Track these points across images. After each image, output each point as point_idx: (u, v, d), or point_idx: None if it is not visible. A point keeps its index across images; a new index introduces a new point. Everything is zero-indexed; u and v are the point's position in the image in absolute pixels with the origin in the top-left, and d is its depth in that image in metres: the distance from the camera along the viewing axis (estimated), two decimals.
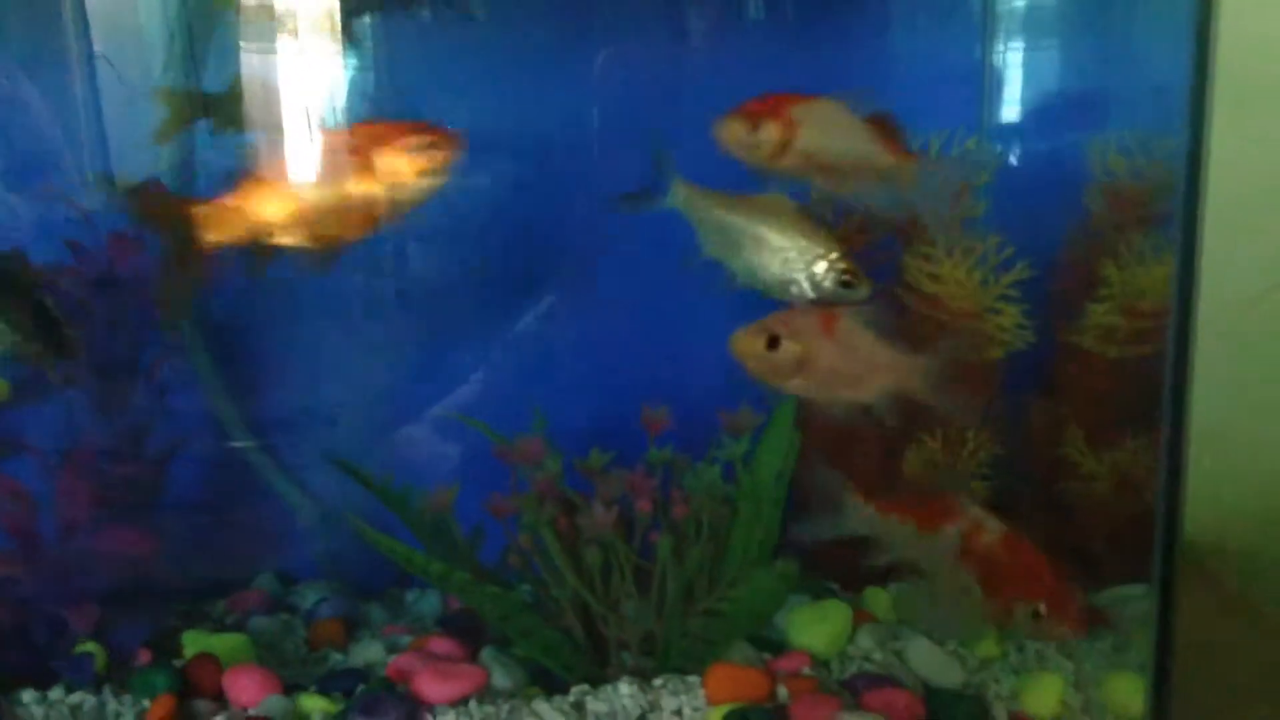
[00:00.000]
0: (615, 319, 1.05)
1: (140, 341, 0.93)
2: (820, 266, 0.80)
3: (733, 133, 0.77)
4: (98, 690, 0.88)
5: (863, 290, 0.79)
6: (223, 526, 1.08)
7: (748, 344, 0.77)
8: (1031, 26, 1.05)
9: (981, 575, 0.77)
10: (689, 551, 0.86)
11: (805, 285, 0.80)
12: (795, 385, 0.77)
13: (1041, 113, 1.02)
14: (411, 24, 1.02)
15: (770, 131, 0.76)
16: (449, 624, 1.01)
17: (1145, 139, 0.90)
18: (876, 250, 0.97)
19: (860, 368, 0.77)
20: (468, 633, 0.96)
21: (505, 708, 0.84)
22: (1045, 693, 0.85)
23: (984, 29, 1.05)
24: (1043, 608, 0.74)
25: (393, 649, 0.96)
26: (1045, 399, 1.00)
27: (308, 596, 1.07)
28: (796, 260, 0.80)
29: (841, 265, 0.79)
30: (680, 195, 0.83)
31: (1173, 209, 0.72)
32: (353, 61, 0.94)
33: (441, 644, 0.92)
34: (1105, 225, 0.90)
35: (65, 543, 0.89)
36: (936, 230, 0.86)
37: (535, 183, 1.04)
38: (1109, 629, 0.90)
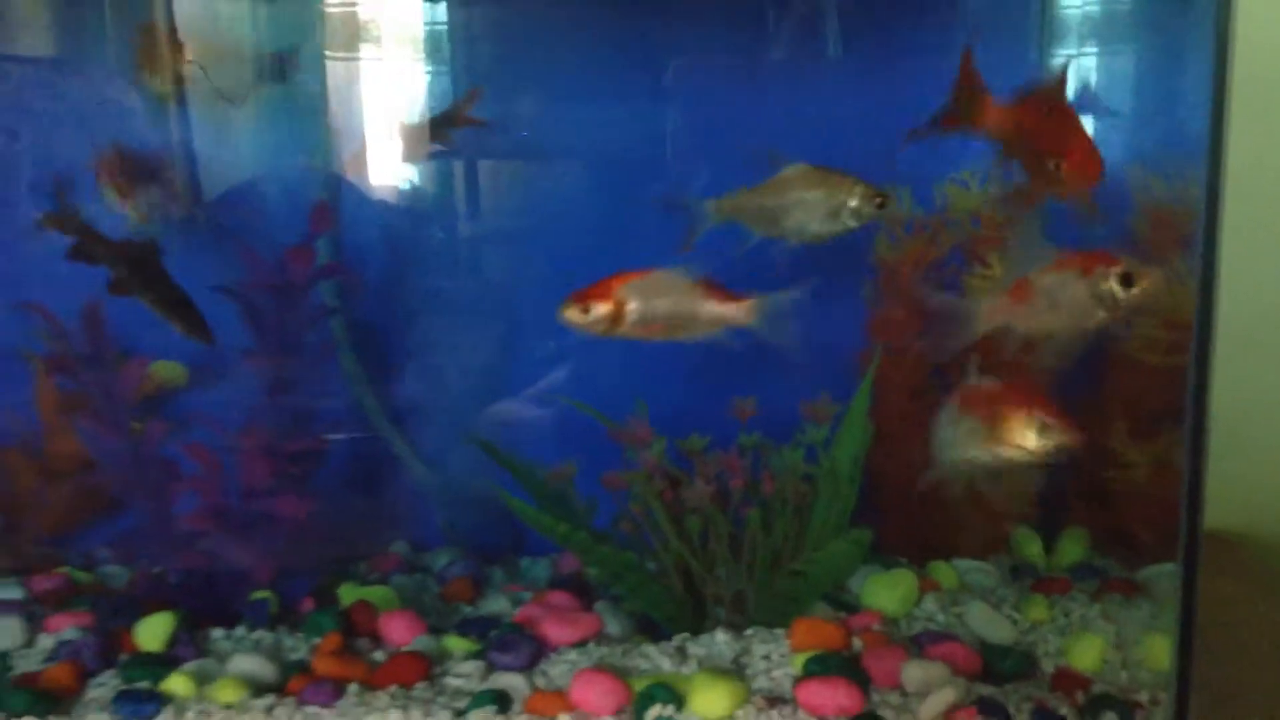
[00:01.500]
0: None
1: (305, 338, 1.09)
2: (855, 200, 0.95)
3: (571, 315, 0.93)
4: (273, 629, 1.04)
5: (893, 205, 0.96)
6: (363, 499, 1.24)
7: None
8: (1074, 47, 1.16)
9: None
10: (776, 522, 1.00)
11: (850, 218, 0.96)
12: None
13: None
14: None
15: (599, 310, 0.93)
16: (558, 585, 1.16)
17: (1182, 162, 1.01)
18: (944, 264, 1.10)
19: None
20: (576, 592, 1.11)
21: (619, 650, 0.98)
22: (1088, 651, 0.97)
23: (1040, 44, 1.16)
24: None
25: (515, 603, 1.11)
26: (1096, 397, 1.13)
27: (438, 560, 1.23)
28: (835, 203, 0.96)
29: (870, 192, 0.95)
30: (716, 210, 0.98)
31: None
32: None
33: (559, 597, 1.07)
34: (1149, 246, 1.02)
35: (245, 505, 1.05)
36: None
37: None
38: (1147, 598, 1.02)
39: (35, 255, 1.05)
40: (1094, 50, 1.16)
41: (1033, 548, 1.17)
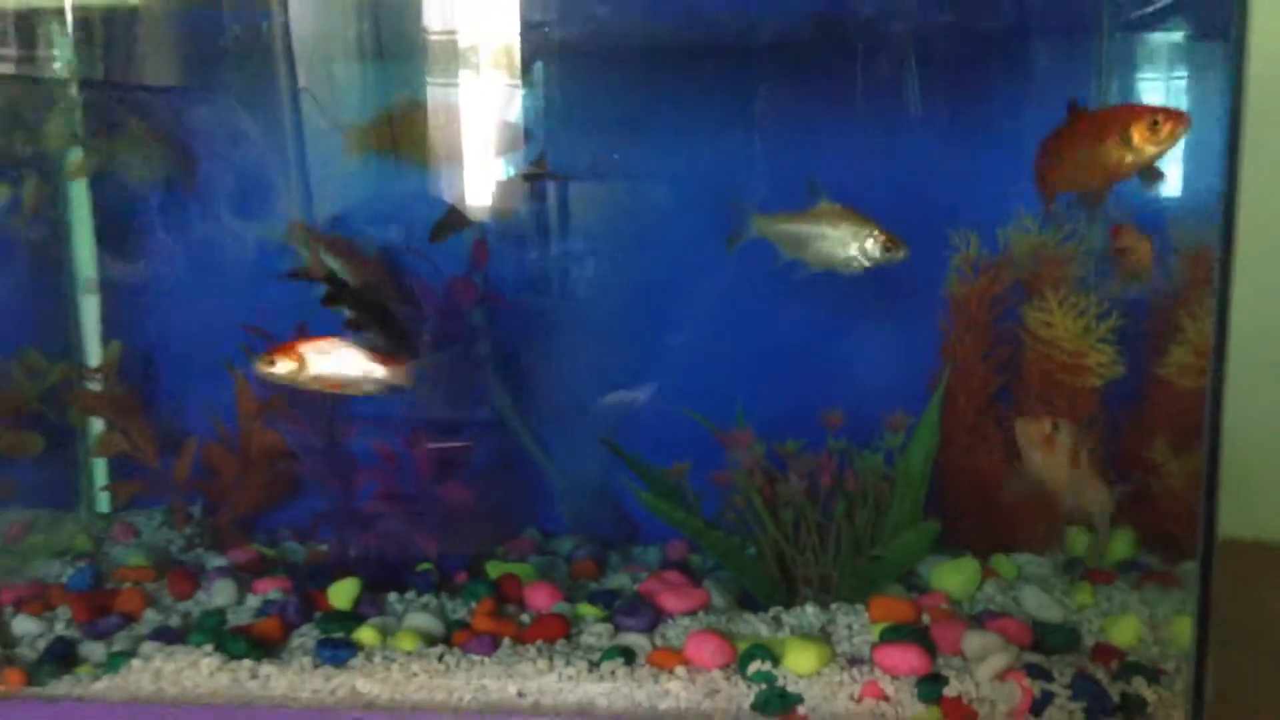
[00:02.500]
0: (791, 333, 1.38)
1: (465, 355, 1.30)
2: (869, 242, 1.12)
3: (262, 367, 1.13)
4: (435, 595, 1.25)
5: (900, 253, 1.11)
6: (503, 491, 1.45)
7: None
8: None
9: None
10: (858, 514, 1.18)
11: (861, 256, 1.13)
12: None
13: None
14: None
15: (285, 366, 1.12)
16: (666, 568, 1.35)
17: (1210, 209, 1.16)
18: (1006, 297, 1.28)
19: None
20: (683, 572, 1.30)
21: (724, 618, 1.18)
22: (1125, 629, 1.12)
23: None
24: None
25: (634, 580, 1.30)
26: (1140, 415, 1.29)
27: (564, 545, 1.43)
28: (851, 241, 1.13)
29: (882, 237, 1.11)
30: (759, 225, 1.16)
31: None
32: None
33: (673, 576, 1.26)
34: (1182, 285, 1.18)
35: (416, 491, 1.27)
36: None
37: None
38: (1181, 589, 1.18)
39: (252, 285, 1.29)
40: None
41: (1084, 545, 1.33)
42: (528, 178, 1.33)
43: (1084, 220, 1.23)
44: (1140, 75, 1.31)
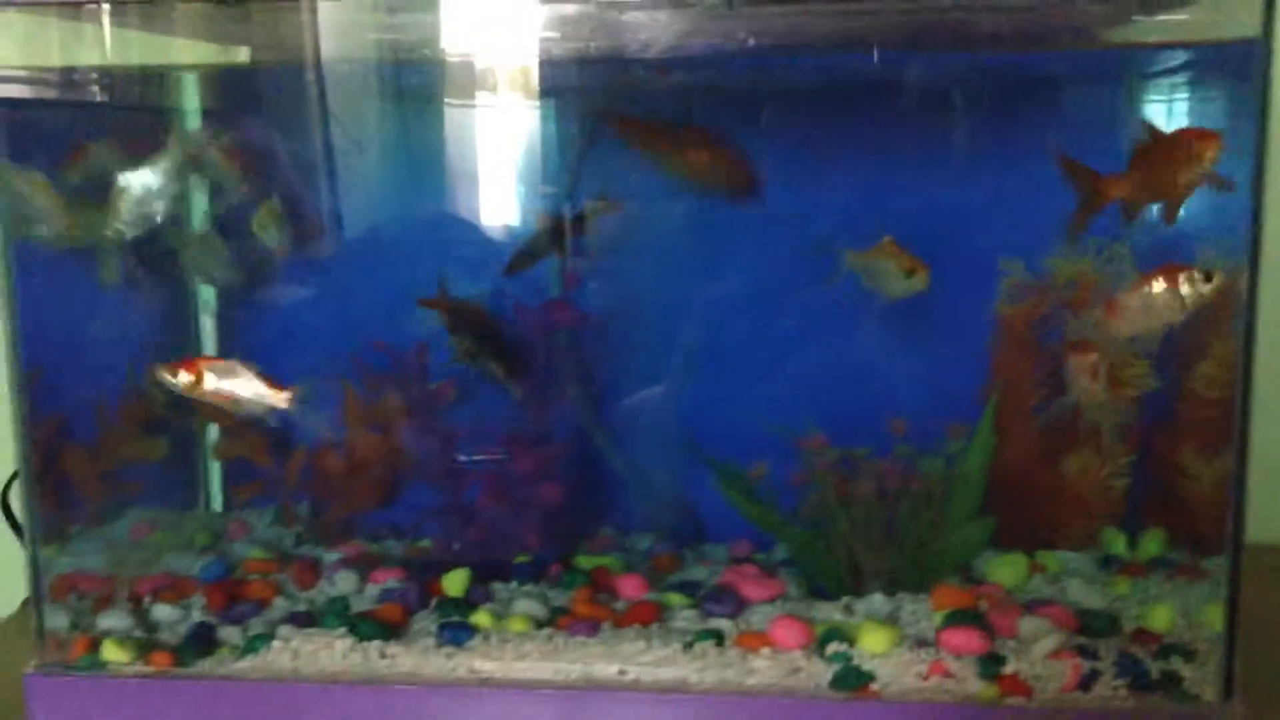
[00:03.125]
0: (858, 351, 1.51)
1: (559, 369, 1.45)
2: (897, 271, 1.29)
3: (163, 374, 1.25)
4: (535, 584, 1.39)
5: (917, 279, 1.28)
6: (587, 492, 1.59)
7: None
8: None
9: None
10: (921, 513, 1.32)
11: (897, 287, 1.30)
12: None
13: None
14: None
15: (184, 376, 1.25)
16: (735, 563, 1.48)
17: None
18: (1051, 315, 1.41)
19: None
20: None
21: (800, 606, 1.31)
22: (1161, 616, 1.25)
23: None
24: None
25: (712, 573, 1.43)
26: (1171, 423, 1.43)
27: (642, 541, 1.56)
28: (890, 271, 1.30)
29: (908, 265, 1.28)
30: (849, 261, 1.32)
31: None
32: None
33: (750, 568, 1.40)
34: (1210, 305, 1.31)
35: (517, 492, 1.40)
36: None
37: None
38: (1205, 581, 1.31)
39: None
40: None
41: (1119, 544, 1.46)
42: (594, 212, 1.46)
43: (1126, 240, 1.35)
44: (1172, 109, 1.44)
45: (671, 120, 1.43)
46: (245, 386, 1.26)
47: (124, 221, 1.32)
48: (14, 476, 1.53)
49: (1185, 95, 1.42)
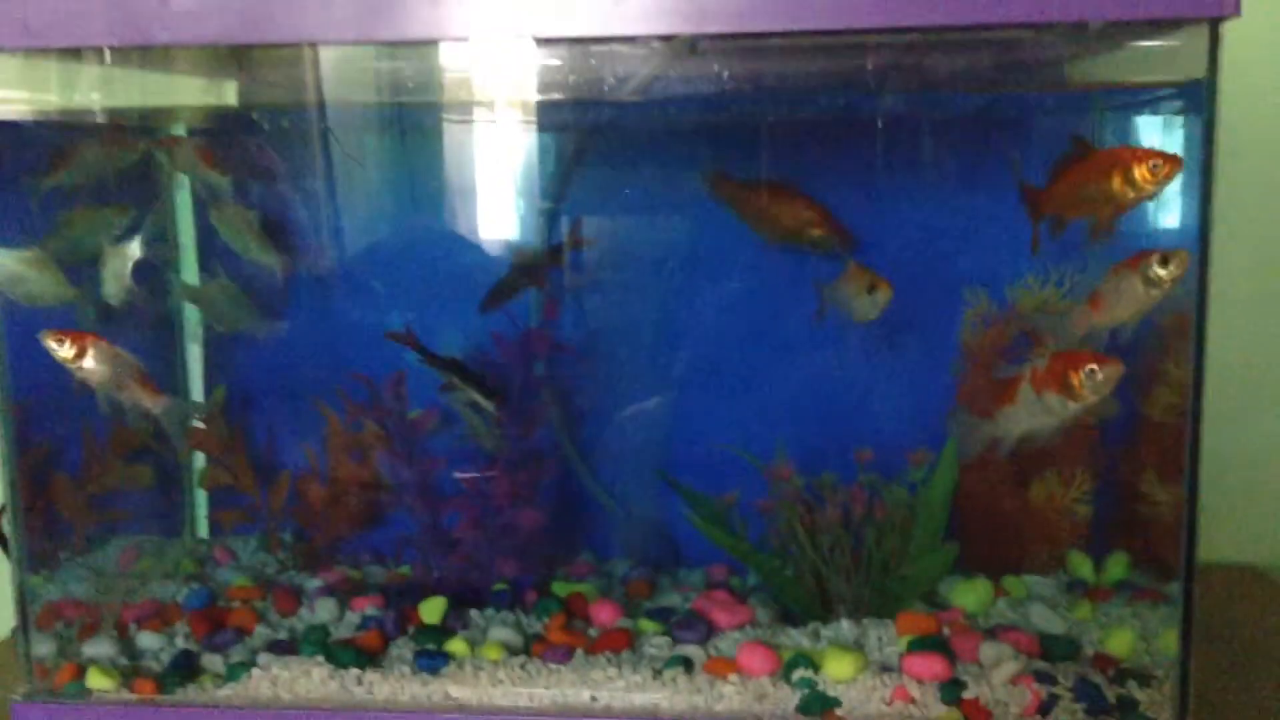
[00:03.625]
0: (823, 380, 1.55)
1: (538, 397, 1.48)
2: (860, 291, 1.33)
3: (48, 340, 1.27)
4: (512, 610, 1.42)
5: (880, 294, 1.31)
6: (563, 519, 1.62)
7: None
8: None
9: None
10: (885, 540, 1.35)
11: (863, 305, 1.33)
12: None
13: None
14: None
15: (66, 349, 1.27)
16: (710, 589, 1.52)
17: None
18: (1012, 348, 1.44)
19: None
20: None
21: (768, 632, 1.34)
22: (1121, 641, 1.28)
23: None
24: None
25: (685, 599, 1.46)
26: (1131, 450, 1.46)
27: (618, 567, 1.59)
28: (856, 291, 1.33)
29: (869, 282, 1.32)
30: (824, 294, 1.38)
31: None
32: None
33: (721, 595, 1.42)
34: (1168, 335, 1.35)
35: (494, 519, 1.43)
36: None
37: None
38: (1166, 604, 1.34)
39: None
40: None
41: (1085, 568, 1.49)
42: (567, 248, 1.50)
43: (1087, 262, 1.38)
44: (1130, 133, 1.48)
45: (768, 180, 1.47)
46: (123, 378, 1.30)
47: (113, 293, 1.37)
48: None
49: (1145, 128, 1.46)
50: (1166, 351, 1.34)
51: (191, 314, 1.60)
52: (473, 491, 1.40)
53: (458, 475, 1.44)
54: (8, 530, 1.34)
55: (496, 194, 1.51)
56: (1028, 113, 1.50)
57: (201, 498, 1.66)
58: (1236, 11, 1.04)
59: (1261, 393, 1.74)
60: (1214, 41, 1.07)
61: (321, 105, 1.42)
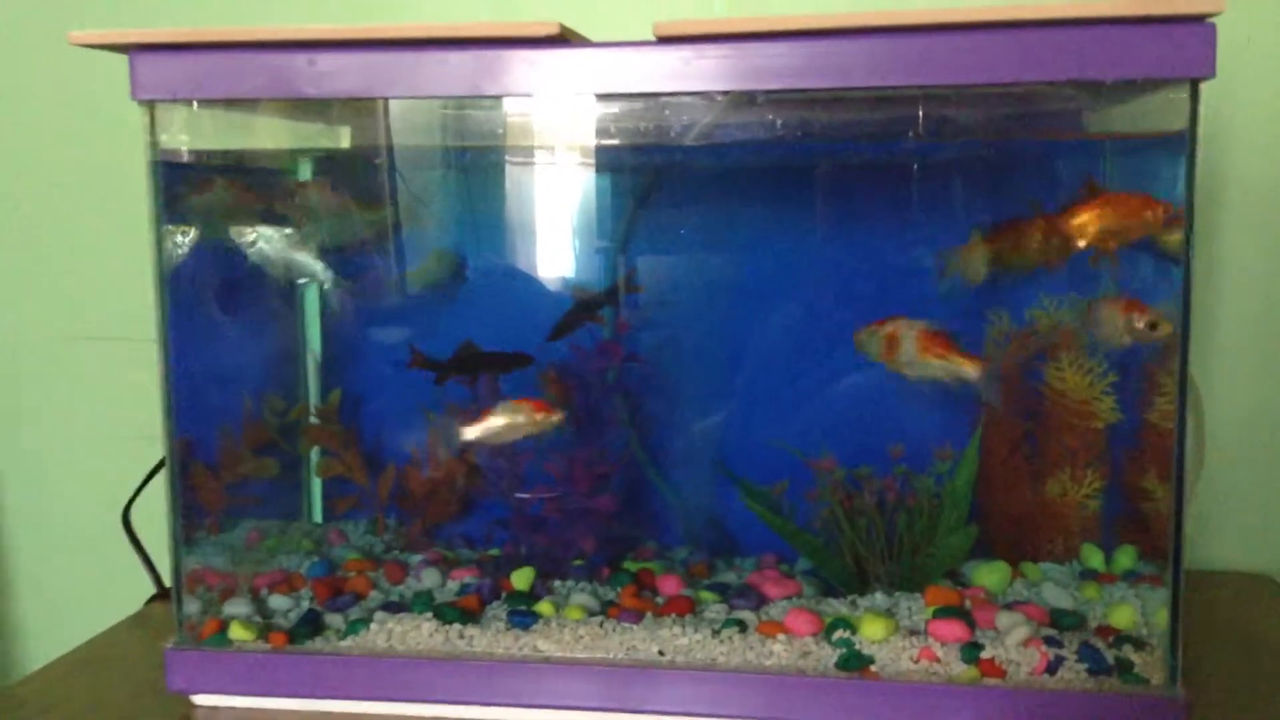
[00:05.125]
0: (864, 388, 1.75)
1: (610, 400, 1.70)
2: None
3: None
4: (589, 582, 1.63)
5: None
6: (631, 508, 1.83)
7: None
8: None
9: None
10: (915, 524, 1.55)
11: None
12: None
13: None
14: None
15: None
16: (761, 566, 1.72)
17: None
18: (1032, 360, 1.64)
19: None
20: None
21: (812, 601, 1.54)
22: (1122, 615, 1.45)
23: None
24: None
25: (740, 577, 1.67)
26: (1135, 452, 1.64)
27: (680, 553, 1.80)
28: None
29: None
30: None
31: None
32: None
33: (771, 572, 1.63)
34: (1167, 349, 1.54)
35: (575, 502, 1.65)
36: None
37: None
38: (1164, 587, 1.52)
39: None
40: None
41: (1096, 559, 1.67)
42: (622, 290, 1.72)
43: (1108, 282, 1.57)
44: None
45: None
46: None
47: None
48: (134, 496, 1.82)
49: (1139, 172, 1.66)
50: (1166, 364, 1.53)
51: (313, 327, 1.85)
52: (557, 479, 1.62)
53: (519, 496, 1.65)
54: (166, 509, 1.58)
55: (562, 233, 1.74)
56: (1047, 157, 1.71)
57: (318, 486, 1.90)
58: (1212, 73, 1.23)
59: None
60: (1194, 100, 1.26)
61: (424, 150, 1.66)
